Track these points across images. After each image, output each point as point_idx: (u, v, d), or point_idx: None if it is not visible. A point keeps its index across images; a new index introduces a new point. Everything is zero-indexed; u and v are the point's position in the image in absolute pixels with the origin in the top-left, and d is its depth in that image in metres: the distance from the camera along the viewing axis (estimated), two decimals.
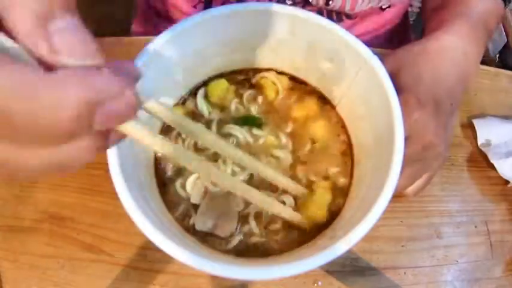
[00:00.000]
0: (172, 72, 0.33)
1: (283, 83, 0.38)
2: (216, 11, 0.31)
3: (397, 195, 0.35)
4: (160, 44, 0.29)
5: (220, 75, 0.38)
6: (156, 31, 0.30)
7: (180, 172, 0.34)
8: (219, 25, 0.32)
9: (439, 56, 0.38)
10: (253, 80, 0.38)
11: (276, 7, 0.31)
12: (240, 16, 0.31)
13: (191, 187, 0.34)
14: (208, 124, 0.36)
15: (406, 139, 0.31)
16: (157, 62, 0.30)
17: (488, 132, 0.45)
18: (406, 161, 0.29)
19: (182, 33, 0.30)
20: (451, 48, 0.38)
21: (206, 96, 0.37)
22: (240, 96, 0.37)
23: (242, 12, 0.31)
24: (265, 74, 0.38)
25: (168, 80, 0.34)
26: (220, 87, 0.37)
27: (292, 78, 0.38)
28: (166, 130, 0.35)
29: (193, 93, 0.37)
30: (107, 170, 0.26)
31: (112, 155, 0.27)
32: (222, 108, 0.37)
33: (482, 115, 0.47)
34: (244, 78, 0.38)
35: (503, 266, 0.40)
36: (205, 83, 0.37)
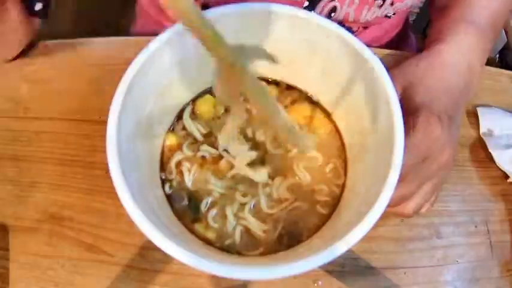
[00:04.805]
0: (170, 74, 0.33)
1: (270, 91, 0.38)
2: (216, 11, 0.31)
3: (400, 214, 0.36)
4: (160, 44, 0.29)
5: (204, 92, 0.37)
6: (156, 31, 0.30)
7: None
8: (219, 25, 0.32)
9: (446, 70, 0.38)
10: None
11: (276, 7, 0.31)
12: (240, 16, 0.31)
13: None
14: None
15: (425, 159, 0.33)
16: (156, 63, 0.30)
17: (491, 122, 0.45)
18: (420, 181, 0.32)
19: (181, 33, 0.30)
20: (457, 62, 0.39)
21: (196, 118, 0.37)
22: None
23: (242, 12, 0.31)
24: None
25: (167, 80, 0.34)
26: (207, 104, 0.37)
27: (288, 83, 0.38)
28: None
29: (179, 116, 0.37)
30: (107, 170, 0.26)
31: (112, 155, 0.27)
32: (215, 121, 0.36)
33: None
34: None
35: (503, 266, 0.40)
36: (188, 104, 0.37)
